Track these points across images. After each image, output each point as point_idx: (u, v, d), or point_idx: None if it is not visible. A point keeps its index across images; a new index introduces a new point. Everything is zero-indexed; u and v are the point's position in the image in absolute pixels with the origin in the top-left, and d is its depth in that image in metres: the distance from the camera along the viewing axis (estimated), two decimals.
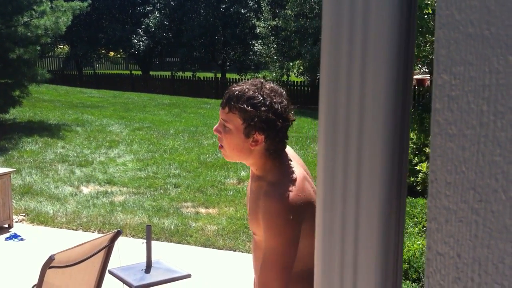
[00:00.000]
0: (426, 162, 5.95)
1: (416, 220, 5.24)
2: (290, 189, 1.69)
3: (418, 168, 6.02)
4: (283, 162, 1.78)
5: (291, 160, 1.80)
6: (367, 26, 0.45)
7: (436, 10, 0.40)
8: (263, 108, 1.69)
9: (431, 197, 0.43)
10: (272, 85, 1.79)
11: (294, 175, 1.74)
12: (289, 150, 1.87)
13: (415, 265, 4.12)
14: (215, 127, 1.79)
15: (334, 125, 0.48)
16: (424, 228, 4.93)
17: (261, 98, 1.71)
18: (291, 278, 1.70)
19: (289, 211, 1.66)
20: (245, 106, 1.69)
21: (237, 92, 1.72)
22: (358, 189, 0.48)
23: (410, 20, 0.45)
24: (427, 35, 5.78)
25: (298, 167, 1.79)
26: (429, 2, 5.25)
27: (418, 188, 6.07)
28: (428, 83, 14.74)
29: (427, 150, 6.12)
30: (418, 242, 4.41)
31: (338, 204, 0.49)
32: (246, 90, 1.72)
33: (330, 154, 0.48)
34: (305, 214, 1.70)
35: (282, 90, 1.80)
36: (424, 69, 9.50)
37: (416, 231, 4.97)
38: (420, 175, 6.02)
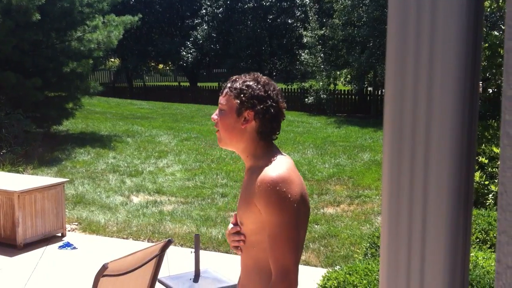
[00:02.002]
0: (478, 171, 5.77)
1: None
2: (285, 168, 1.80)
3: None
4: (273, 151, 1.89)
5: (283, 155, 1.91)
6: (434, 33, 0.44)
7: (506, 21, 0.39)
8: (254, 87, 1.87)
9: (501, 210, 0.42)
10: (267, 78, 1.98)
11: (284, 160, 1.86)
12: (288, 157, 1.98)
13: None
14: (212, 115, 1.96)
15: (400, 134, 0.47)
16: (478, 239, 4.78)
17: (255, 81, 1.90)
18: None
19: (286, 185, 1.74)
20: (240, 86, 1.88)
21: (234, 78, 1.94)
22: (425, 199, 0.46)
23: (477, 27, 0.44)
24: None
25: (288, 159, 1.90)
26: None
27: None
28: (480, 90, 14.38)
29: (480, 158, 5.94)
30: (471, 254, 4.29)
31: (404, 215, 0.47)
32: (243, 77, 1.93)
33: (395, 162, 0.47)
34: (300, 196, 1.78)
35: (276, 85, 1.97)
36: None
37: None
38: None
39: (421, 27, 0.45)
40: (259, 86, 1.88)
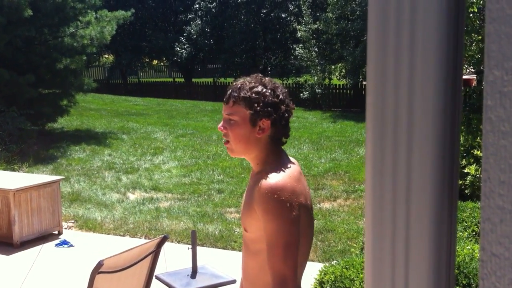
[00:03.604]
0: (474, 165, 5.78)
1: (466, 224, 5.10)
2: (286, 177, 1.74)
3: (466, 170, 5.87)
4: (282, 157, 1.84)
5: (291, 162, 1.87)
6: (414, 26, 0.44)
7: (486, 5, 0.39)
8: (267, 93, 1.77)
9: (484, 197, 0.42)
10: (270, 78, 1.89)
11: (290, 168, 1.80)
12: (295, 161, 1.95)
13: (465, 271, 4.01)
14: (219, 125, 1.84)
15: (382, 128, 0.47)
16: (474, 233, 4.79)
17: (263, 86, 1.79)
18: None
19: (286, 193, 1.69)
20: (249, 94, 1.76)
21: (239, 85, 1.80)
22: (408, 192, 0.46)
23: (458, 19, 0.44)
24: (472, 34, 5.63)
25: (295, 166, 1.85)
26: (474, 0, 5.13)
27: (466, 191, 5.90)
28: (474, 83, 14.37)
29: (475, 152, 5.95)
30: (468, 247, 4.29)
31: (387, 209, 0.47)
32: (247, 82, 1.81)
33: (378, 157, 0.47)
34: (300, 205, 1.73)
35: (281, 85, 1.90)
36: (471, 69, 9.25)
37: (466, 236, 4.83)
38: (468, 178, 5.86)
39: (401, 16, 0.45)
40: (269, 91, 1.78)
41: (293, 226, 1.69)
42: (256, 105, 1.76)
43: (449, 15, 0.44)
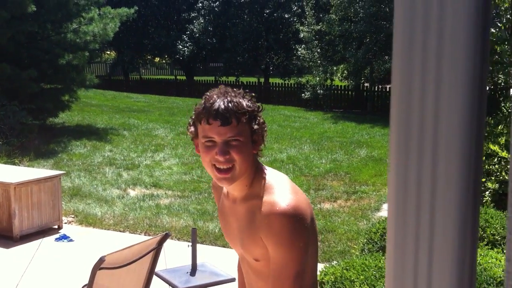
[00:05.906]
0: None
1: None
2: (290, 195, 1.58)
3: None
4: (265, 172, 1.67)
5: (275, 173, 1.71)
6: (442, 30, 0.44)
7: None
8: (257, 106, 1.63)
9: (511, 208, 0.41)
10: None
11: (284, 182, 1.64)
12: None
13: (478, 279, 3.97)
14: (219, 154, 1.57)
15: (407, 132, 0.46)
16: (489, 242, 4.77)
17: (243, 98, 1.61)
18: None
19: (298, 216, 1.55)
20: (247, 109, 1.58)
21: (231, 104, 1.56)
22: (433, 198, 0.46)
23: (485, 20, 0.44)
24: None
25: (284, 176, 1.70)
26: None
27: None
28: None
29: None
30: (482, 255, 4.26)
31: (411, 215, 0.47)
32: (232, 98, 1.59)
33: (402, 162, 0.46)
34: (310, 219, 1.60)
35: None
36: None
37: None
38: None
39: (429, 19, 0.44)
40: (252, 103, 1.61)
41: (305, 254, 1.57)
42: (256, 120, 1.61)
43: (477, 18, 0.43)
